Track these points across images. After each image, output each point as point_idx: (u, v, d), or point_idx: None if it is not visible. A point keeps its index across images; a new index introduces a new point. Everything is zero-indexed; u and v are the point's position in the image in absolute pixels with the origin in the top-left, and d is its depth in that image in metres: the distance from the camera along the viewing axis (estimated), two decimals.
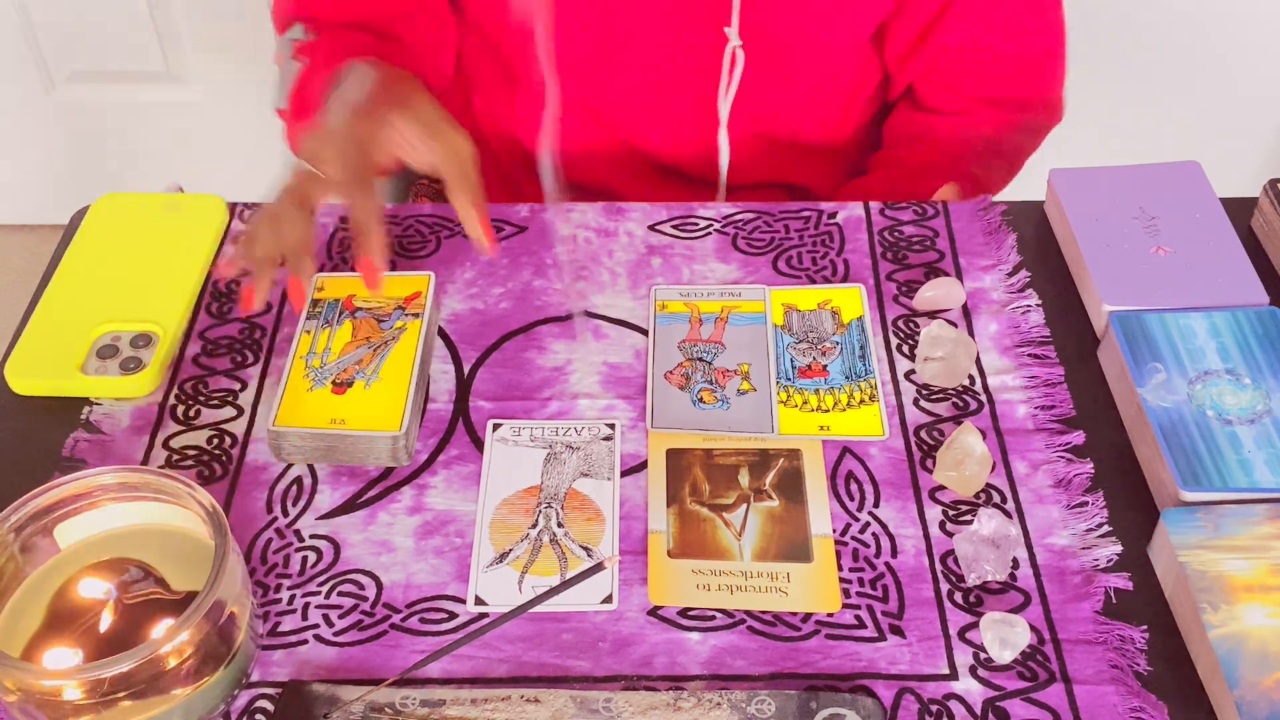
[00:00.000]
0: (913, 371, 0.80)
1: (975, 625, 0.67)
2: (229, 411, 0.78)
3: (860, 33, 0.97)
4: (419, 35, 0.96)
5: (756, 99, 0.97)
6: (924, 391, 0.79)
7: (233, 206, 0.91)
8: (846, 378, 0.79)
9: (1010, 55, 1.00)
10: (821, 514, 0.72)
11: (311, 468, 0.74)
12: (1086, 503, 0.72)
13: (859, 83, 1.02)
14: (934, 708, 0.64)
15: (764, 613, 0.68)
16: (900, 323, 0.83)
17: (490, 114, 1.04)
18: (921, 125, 1.03)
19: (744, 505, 0.73)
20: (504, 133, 1.04)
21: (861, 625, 0.67)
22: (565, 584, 0.67)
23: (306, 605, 0.68)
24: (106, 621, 0.62)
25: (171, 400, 0.78)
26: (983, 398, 0.78)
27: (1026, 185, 0.99)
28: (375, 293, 0.78)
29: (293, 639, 0.67)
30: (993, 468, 0.74)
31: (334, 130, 0.79)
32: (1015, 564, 0.70)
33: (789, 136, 1.01)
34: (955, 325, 0.82)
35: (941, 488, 0.73)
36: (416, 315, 0.80)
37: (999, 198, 0.92)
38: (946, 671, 0.65)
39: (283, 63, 0.93)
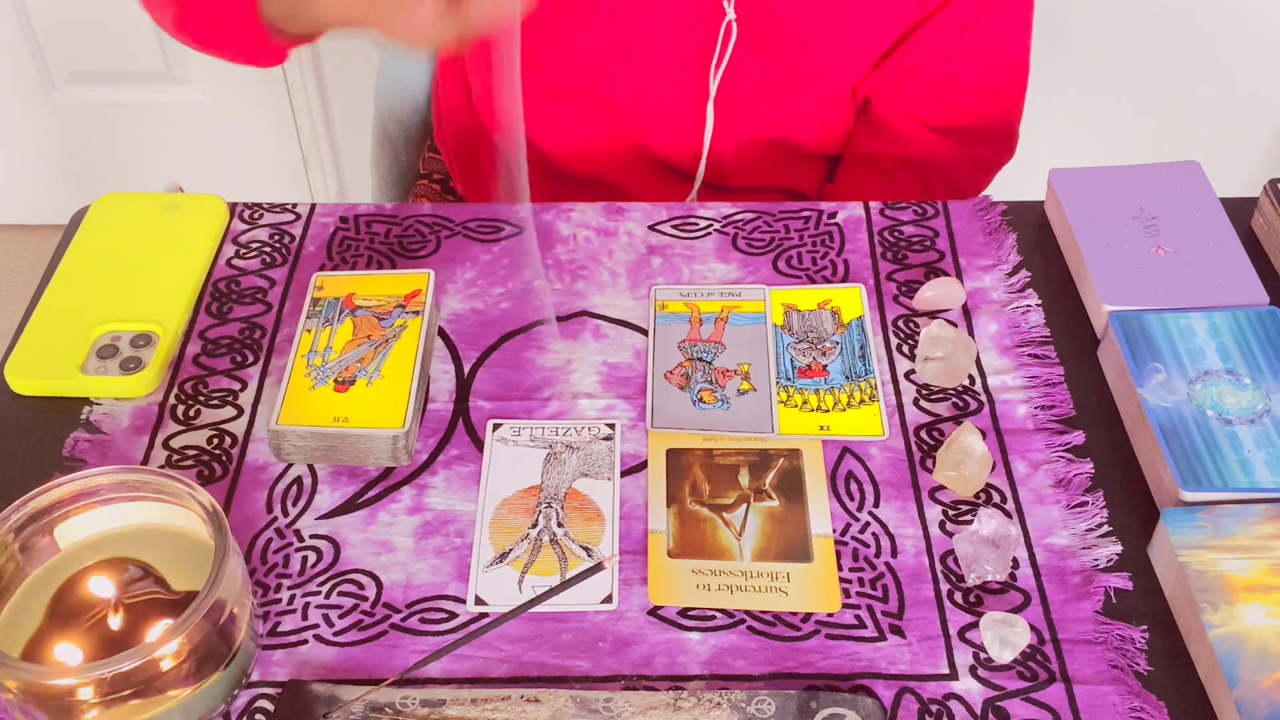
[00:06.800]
0: (913, 371, 0.80)
1: (975, 625, 0.67)
2: (229, 411, 0.78)
3: (853, 38, 0.97)
4: None
5: (745, 79, 0.97)
6: (924, 391, 0.79)
7: (233, 206, 0.91)
8: (846, 378, 0.79)
9: (971, 84, 1.00)
10: (821, 514, 0.72)
11: (312, 468, 0.74)
12: (1086, 503, 0.72)
13: (845, 86, 1.01)
14: (934, 708, 0.64)
15: (764, 613, 0.68)
16: (900, 323, 0.83)
17: (490, 107, 1.04)
18: (872, 152, 1.04)
19: (744, 505, 0.73)
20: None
21: (861, 625, 0.67)
22: (565, 584, 0.67)
23: (306, 605, 0.68)
24: (107, 621, 0.62)
25: (171, 400, 0.78)
26: (983, 398, 0.78)
27: (1026, 185, 0.99)
28: None
29: (293, 639, 0.67)
30: (993, 468, 0.74)
31: None
32: (1015, 564, 0.70)
33: (773, 126, 1.01)
34: (955, 325, 0.82)
35: (941, 488, 0.73)
36: (417, 313, 0.80)
37: (999, 198, 0.92)
38: (946, 671, 0.65)
39: None
